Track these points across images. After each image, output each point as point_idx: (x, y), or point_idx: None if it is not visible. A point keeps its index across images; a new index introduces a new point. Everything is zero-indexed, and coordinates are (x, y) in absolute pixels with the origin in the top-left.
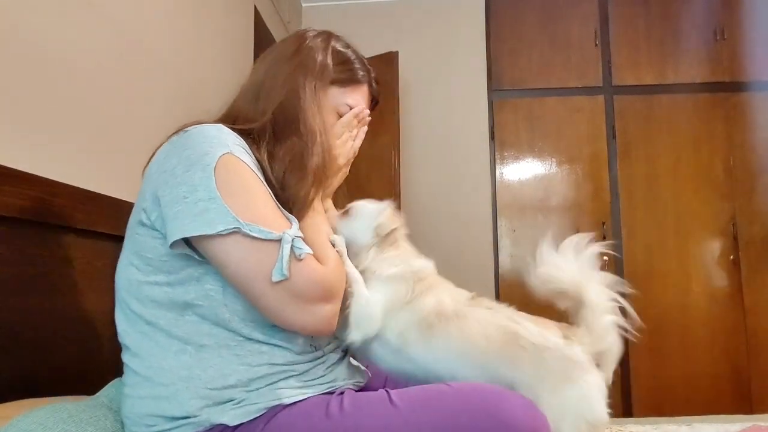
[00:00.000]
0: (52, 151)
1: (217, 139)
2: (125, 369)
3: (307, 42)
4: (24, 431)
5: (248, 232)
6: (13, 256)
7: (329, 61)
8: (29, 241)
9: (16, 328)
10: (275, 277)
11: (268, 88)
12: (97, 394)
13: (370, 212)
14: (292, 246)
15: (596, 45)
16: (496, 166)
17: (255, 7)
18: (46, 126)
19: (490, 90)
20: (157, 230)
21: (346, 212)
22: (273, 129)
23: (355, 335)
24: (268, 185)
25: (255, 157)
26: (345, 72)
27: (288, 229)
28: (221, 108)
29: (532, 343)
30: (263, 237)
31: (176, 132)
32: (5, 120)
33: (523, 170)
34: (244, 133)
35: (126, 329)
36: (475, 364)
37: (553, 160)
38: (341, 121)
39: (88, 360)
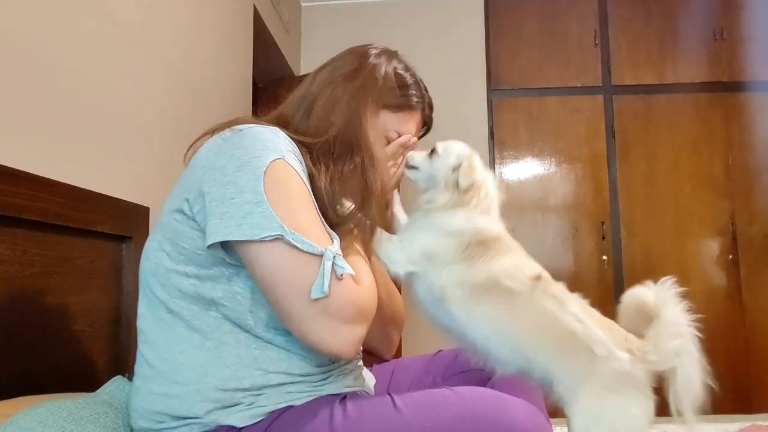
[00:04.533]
0: (51, 151)
1: (271, 143)
2: (138, 357)
3: (369, 62)
4: (24, 429)
5: (291, 240)
6: (13, 256)
7: (387, 84)
8: (29, 241)
9: (16, 327)
10: (314, 294)
11: (326, 107)
12: (98, 391)
13: (453, 152)
14: (333, 263)
15: (595, 45)
16: (496, 166)
17: (255, 6)
18: (46, 126)
19: (490, 89)
20: (196, 222)
21: (432, 151)
22: (332, 149)
23: (391, 270)
24: (316, 199)
25: (308, 169)
26: (400, 97)
27: (330, 245)
28: (272, 112)
29: (588, 348)
30: (305, 249)
31: (228, 126)
32: (5, 120)
33: (522, 170)
34: (299, 143)
35: (145, 313)
36: (513, 346)
37: (553, 159)
38: (386, 151)
39: (87, 359)
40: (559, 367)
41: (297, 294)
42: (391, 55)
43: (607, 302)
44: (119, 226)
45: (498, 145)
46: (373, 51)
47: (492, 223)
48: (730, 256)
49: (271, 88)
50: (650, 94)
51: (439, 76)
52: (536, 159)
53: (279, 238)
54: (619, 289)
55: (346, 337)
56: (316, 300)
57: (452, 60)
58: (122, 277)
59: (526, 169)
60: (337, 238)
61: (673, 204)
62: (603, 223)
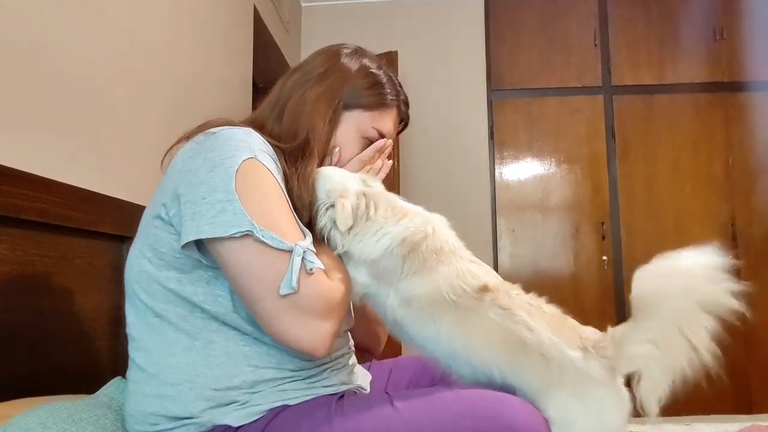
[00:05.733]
0: (52, 151)
1: (244, 143)
2: (130, 363)
3: (338, 62)
4: (24, 430)
5: (260, 237)
6: (13, 256)
7: (359, 84)
8: (29, 241)
9: (16, 328)
10: (283, 290)
11: (295, 110)
12: (98, 393)
13: (319, 187)
14: (303, 259)
15: (595, 45)
16: (496, 166)
17: (255, 6)
18: (46, 126)
19: (490, 90)
20: (173, 226)
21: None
22: (303, 150)
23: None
24: (290, 200)
25: (283, 170)
26: (374, 96)
27: (301, 240)
28: (248, 114)
29: (539, 353)
30: (274, 245)
31: (201, 129)
32: (5, 120)
33: (522, 170)
34: (274, 147)
35: (134, 321)
36: (468, 362)
37: (553, 159)
38: (360, 157)
39: (87, 360)
40: (516, 379)
41: (267, 290)
42: (362, 54)
43: (607, 302)
44: (119, 226)
45: (498, 145)
46: (345, 51)
47: (411, 223)
48: (730, 257)
49: (271, 88)
50: (650, 94)
51: (439, 76)
52: (536, 159)
53: (248, 235)
54: (619, 289)
55: (317, 332)
56: (285, 296)
57: (452, 60)
58: (122, 278)
59: (526, 169)
60: (310, 234)
61: (673, 204)
62: (603, 223)
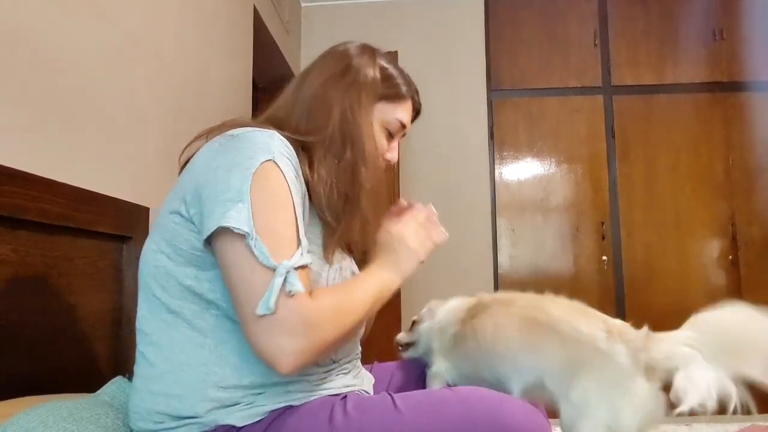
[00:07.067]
0: (53, 152)
1: (265, 145)
2: (139, 358)
3: (354, 60)
4: (25, 429)
5: (252, 245)
6: (14, 256)
7: (378, 79)
8: (31, 241)
9: (16, 327)
10: (260, 311)
11: (324, 106)
12: (99, 391)
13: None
14: (285, 280)
15: (595, 45)
16: (496, 166)
17: (254, 7)
18: (48, 127)
19: (490, 90)
20: (193, 224)
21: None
22: (330, 147)
23: None
24: (313, 202)
25: (304, 174)
26: (391, 88)
27: (287, 260)
28: (262, 115)
29: (555, 330)
30: (261, 260)
31: (220, 129)
32: (5, 120)
33: (522, 170)
34: (297, 143)
35: (146, 315)
36: (497, 360)
37: (553, 159)
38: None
39: (88, 359)
40: (540, 357)
41: (247, 300)
42: (372, 50)
43: (606, 302)
44: (120, 226)
45: (498, 145)
46: (354, 49)
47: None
48: (730, 257)
49: (271, 88)
50: (650, 94)
51: (439, 76)
52: (536, 159)
53: (244, 236)
54: (619, 289)
55: (283, 349)
56: (262, 315)
57: (452, 60)
58: (123, 278)
59: (526, 169)
60: (306, 248)
61: (673, 204)
62: (603, 223)
